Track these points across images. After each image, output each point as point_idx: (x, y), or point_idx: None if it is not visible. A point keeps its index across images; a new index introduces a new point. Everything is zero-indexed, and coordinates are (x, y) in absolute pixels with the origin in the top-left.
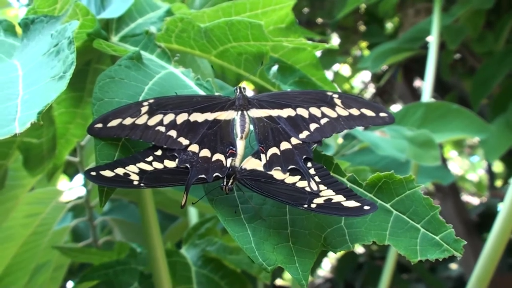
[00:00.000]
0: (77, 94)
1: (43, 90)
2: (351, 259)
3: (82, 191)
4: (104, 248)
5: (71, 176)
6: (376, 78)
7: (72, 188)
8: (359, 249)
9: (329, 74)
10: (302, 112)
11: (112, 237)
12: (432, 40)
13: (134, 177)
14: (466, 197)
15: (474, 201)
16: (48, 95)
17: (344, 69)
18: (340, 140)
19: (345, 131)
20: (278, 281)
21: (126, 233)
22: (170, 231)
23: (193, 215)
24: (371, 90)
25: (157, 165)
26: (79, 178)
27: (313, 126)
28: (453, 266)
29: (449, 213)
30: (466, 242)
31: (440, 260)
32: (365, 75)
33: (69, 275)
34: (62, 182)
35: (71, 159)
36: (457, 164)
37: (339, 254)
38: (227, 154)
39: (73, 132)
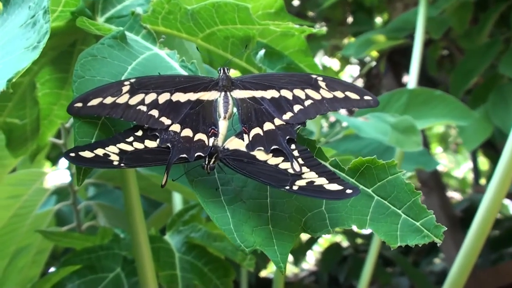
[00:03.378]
0: (62, 75)
1: (16, 60)
2: (335, 252)
3: (67, 175)
4: (88, 233)
5: (56, 159)
6: (365, 72)
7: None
8: (343, 242)
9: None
10: (286, 93)
11: (96, 222)
12: (417, 31)
13: (114, 158)
14: (451, 193)
15: (459, 197)
16: (20, 64)
17: (333, 63)
18: (326, 128)
19: (332, 119)
20: (263, 273)
21: (111, 218)
22: (154, 217)
23: (178, 201)
24: (360, 84)
25: (138, 145)
26: (64, 161)
27: (296, 108)
28: (437, 260)
29: (434, 208)
30: (446, 228)
31: (420, 247)
32: (354, 69)
33: (52, 259)
34: (48, 167)
35: (55, 141)
36: (443, 161)
37: (324, 247)
38: (209, 134)
39: (57, 113)
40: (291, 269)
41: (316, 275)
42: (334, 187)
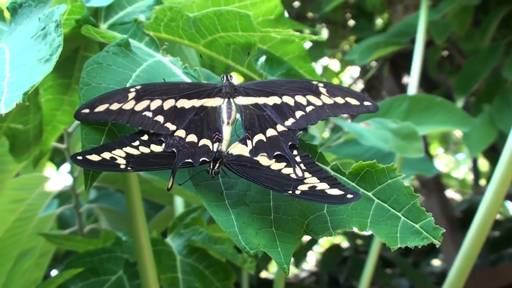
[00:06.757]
0: (64, 81)
1: (29, 72)
2: (335, 252)
3: (69, 179)
4: (90, 236)
5: (58, 164)
6: (365, 73)
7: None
8: (343, 243)
9: (318, 68)
10: (288, 100)
11: (98, 225)
12: (418, 35)
13: (121, 161)
14: (451, 194)
15: (459, 198)
16: (34, 77)
17: (333, 64)
18: (326, 134)
19: (333, 123)
20: (263, 274)
21: (112, 221)
22: (156, 220)
23: (179, 204)
24: (360, 85)
25: (144, 150)
26: (66, 165)
27: (298, 114)
28: (437, 262)
29: (434, 209)
30: (444, 230)
31: (420, 248)
32: (354, 71)
33: (54, 262)
34: (49, 169)
35: (58, 146)
36: (442, 162)
37: (324, 247)
38: (214, 140)
39: (60, 119)
40: (291, 270)
41: (316, 275)
42: (336, 192)
